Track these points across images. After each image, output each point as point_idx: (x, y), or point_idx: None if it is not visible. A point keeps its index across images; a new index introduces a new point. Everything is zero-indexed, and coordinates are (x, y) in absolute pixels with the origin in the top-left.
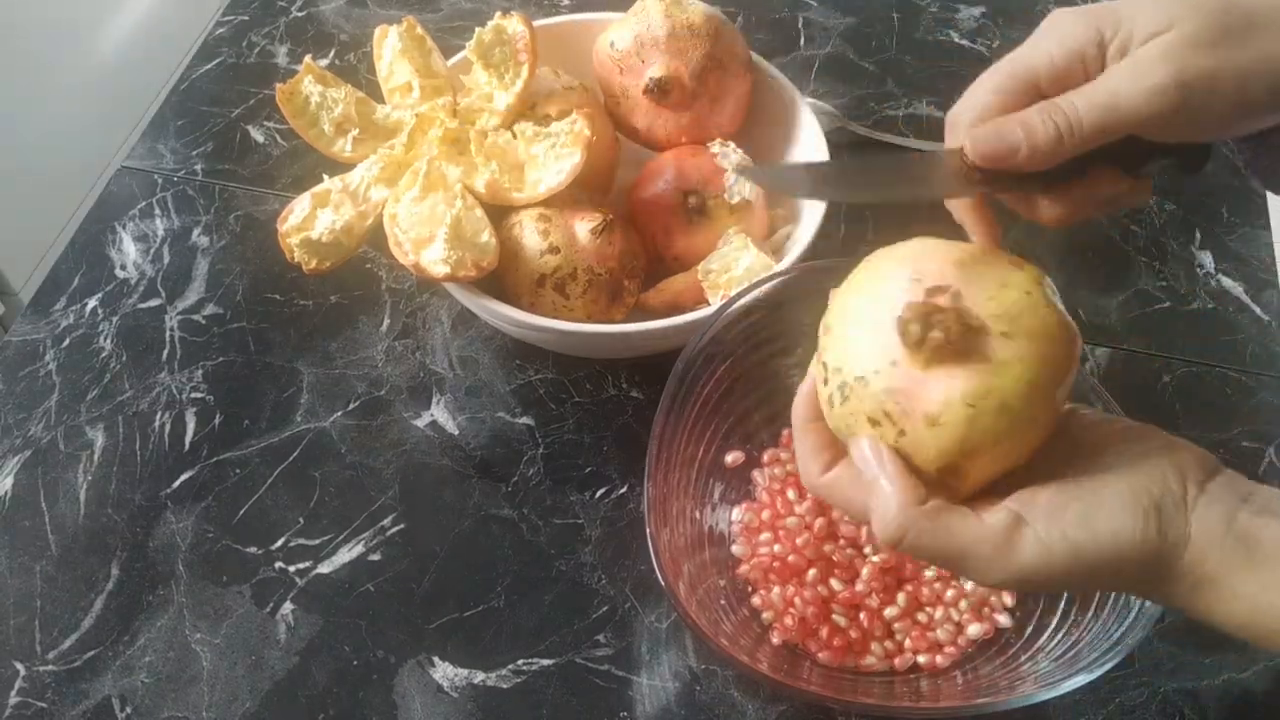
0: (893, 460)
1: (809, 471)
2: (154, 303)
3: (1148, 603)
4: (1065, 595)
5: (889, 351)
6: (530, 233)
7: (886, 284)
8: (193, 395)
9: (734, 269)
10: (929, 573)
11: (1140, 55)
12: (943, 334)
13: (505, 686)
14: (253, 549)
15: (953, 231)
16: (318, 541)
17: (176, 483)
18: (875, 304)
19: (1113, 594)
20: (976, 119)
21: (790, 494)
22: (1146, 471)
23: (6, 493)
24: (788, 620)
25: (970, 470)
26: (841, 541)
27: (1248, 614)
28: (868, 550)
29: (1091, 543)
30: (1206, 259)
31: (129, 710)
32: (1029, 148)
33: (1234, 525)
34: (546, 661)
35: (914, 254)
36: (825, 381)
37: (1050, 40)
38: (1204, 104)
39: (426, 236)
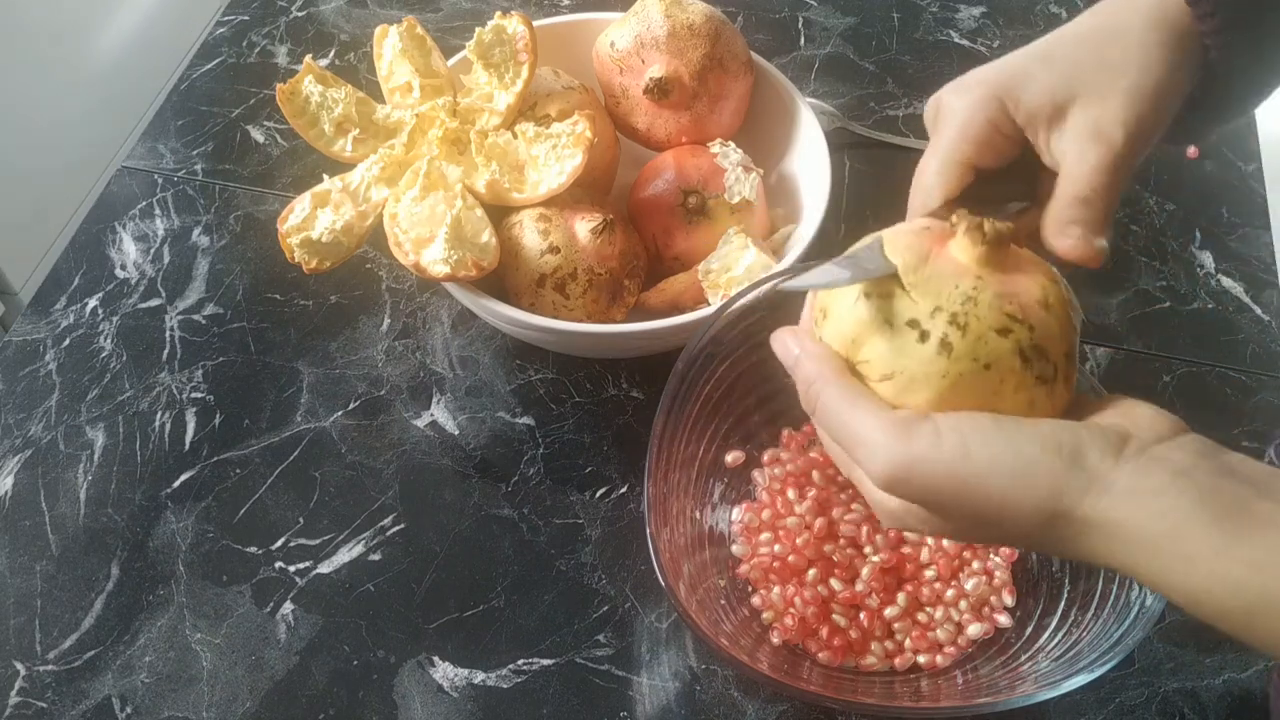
0: (814, 342)
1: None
2: (154, 303)
3: (1148, 602)
4: (1064, 595)
5: (965, 277)
6: (530, 233)
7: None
8: (193, 395)
9: (734, 269)
10: (929, 572)
11: (1079, 138)
12: (1005, 220)
13: (505, 686)
14: (253, 549)
15: None
16: (318, 541)
17: (176, 483)
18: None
19: (1072, 567)
20: (922, 206)
21: (790, 494)
22: (1086, 422)
23: (6, 493)
24: (788, 620)
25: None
26: (841, 541)
27: (1206, 579)
28: (868, 550)
29: (984, 452)
30: (1206, 259)
31: (129, 710)
32: (1100, 232)
33: (1187, 480)
34: (546, 661)
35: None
36: (922, 338)
37: (958, 126)
38: (1142, 147)
39: (427, 236)
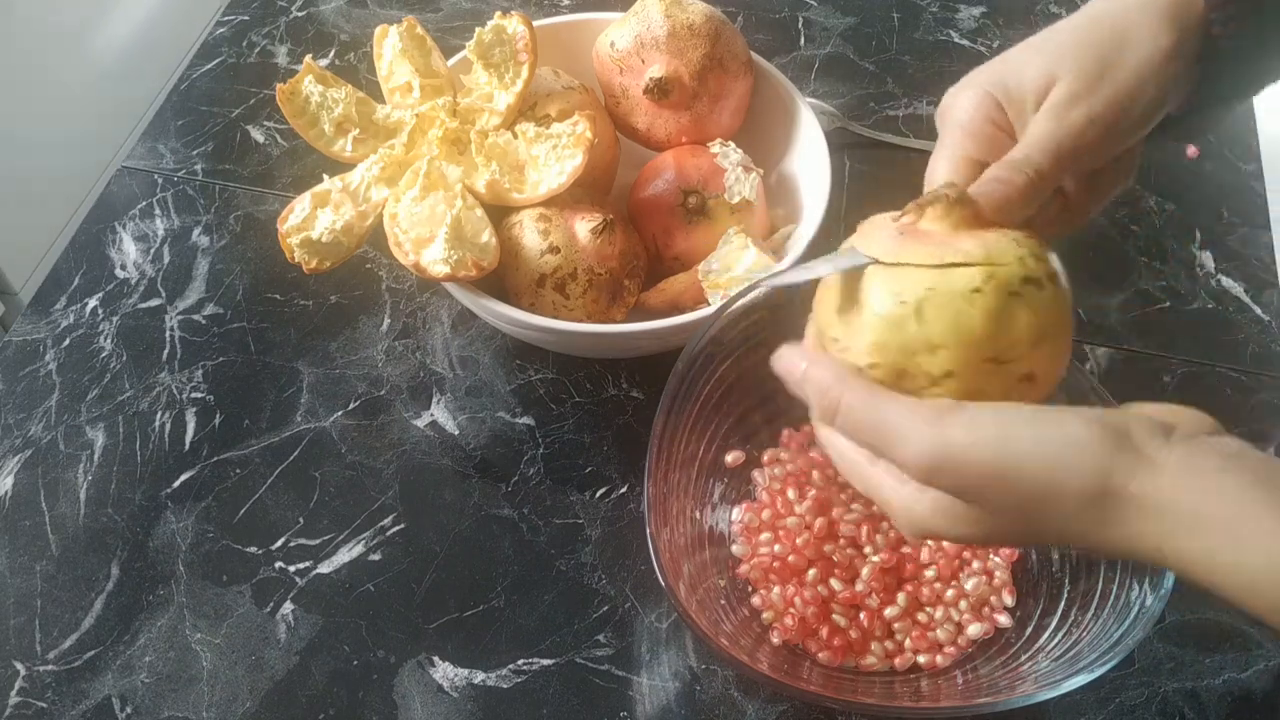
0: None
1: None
2: (154, 303)
3: (1148, 602)
4: (1064, 595)
5: (974, 238)
6: (530, 233)
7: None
8: (193, 395)
9: (734, 269)
10: (929, 572)
11: (1040, 114)
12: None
13: (505, 686)
14: (253, 549)
15: None
16: (318, 541)
17: (176, 483)
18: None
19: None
20: None
21: (790, 494)
22: (1128, 410)
23: (6, 493)
24: (788, 620)
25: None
26: (841, 541)
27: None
28: (868, 550)
29: (1027, 433)
30: (1206, 259)
31: (129, 710)
32: (1020, 196)
33: (1241, 462)
34: (546, 661)
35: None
36: (1050, 279)
37: (960, 124)
38: (1091, 145)
39: (427, 236)
